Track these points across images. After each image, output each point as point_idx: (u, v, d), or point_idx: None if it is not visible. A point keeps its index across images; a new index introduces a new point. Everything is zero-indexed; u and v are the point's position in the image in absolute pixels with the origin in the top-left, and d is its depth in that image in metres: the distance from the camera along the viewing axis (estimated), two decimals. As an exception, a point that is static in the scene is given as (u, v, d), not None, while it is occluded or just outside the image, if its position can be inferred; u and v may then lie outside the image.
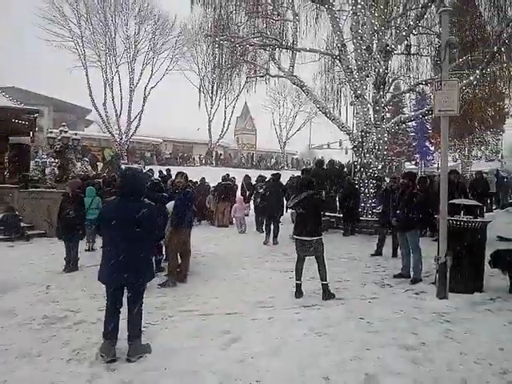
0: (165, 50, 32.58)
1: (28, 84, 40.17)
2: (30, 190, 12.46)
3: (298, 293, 5.71)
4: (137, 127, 32.32)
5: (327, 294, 5.61)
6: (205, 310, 5.11)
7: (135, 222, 3.77)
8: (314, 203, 5.71)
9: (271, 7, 12.83)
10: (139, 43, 32.30)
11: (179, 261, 6.66)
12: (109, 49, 31.23)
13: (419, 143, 32.81)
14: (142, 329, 4.05)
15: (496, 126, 26.75)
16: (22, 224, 11.08)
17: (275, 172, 12.30)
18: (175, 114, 41.53)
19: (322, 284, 5.68)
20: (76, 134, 13.65)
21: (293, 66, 13.45)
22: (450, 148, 26.42)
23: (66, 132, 12.75)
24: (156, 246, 6.47)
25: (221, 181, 13.87)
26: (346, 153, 27.78)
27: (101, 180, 11.33)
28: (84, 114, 42.05)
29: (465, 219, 5.87)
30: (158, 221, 6.24)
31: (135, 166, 20.62)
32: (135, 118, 32.28)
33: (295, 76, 13.46)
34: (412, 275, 6.57)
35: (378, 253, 8.61)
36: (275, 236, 10.28)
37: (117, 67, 31.64)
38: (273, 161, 39.84)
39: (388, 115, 21.49)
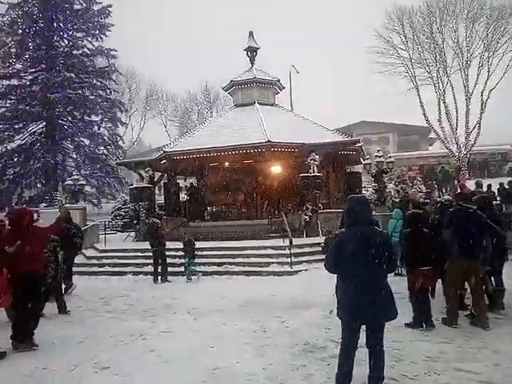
0: (503, 44, 28.01)
1: (375, 116, 45.12)
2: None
3: None
4: (476, 137, 29.09)
5: None
6: (488, 378, 3.84)
7: (375, 252, 3.47)
8: None
9: None
10: (472, 46, 29.40)
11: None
12: (438, 62, 30.16)
13: None
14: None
15: None
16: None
17: None
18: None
19: None
20: (390, 157, 13.86)
21: None
22: None
23: (380, 157, 13.20)
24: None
25: None
26: None
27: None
28: (426, 133, 42.05)
29: None
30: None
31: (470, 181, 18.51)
32: (474, 127, 29.21)
33: None
34: None
35: None
36: None
37: (447, 78, 29.99)
38: None
39: None
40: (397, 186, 21.42)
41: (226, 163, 17.97)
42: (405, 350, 4.64)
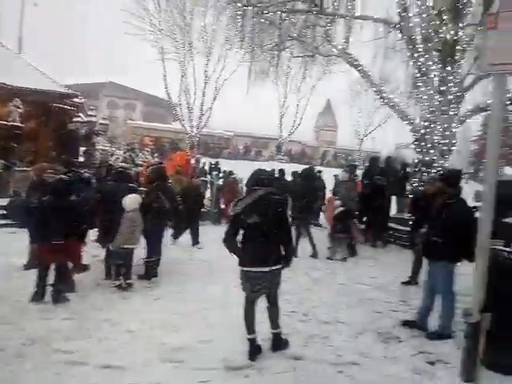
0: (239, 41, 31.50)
1: (126, 79, 42.47)
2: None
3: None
4: (207, 119, 31.92)
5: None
6: (80, 358, 3.58)
7: None
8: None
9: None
10: (215, 34, 31.75)
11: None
12: (185, 40, 31.20)
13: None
14: None
15: None
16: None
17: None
18: (252, 109, 40.35)
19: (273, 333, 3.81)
20: (105, 119, 13.08)
21: (347, 42, 11.25)
22: None
23: (94, 116, 12.20)
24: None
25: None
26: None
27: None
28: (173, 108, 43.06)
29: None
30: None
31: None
32: (207, 110, 31.90)
33: (349, 54, 11.19)
34: (430, 328, 4.31)
35: (414, 281, 6.23)
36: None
37: (191, 58, 31.51)
38: (349, 158, 36.74)
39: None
40: (125, 153, 20.95)
41: None
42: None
